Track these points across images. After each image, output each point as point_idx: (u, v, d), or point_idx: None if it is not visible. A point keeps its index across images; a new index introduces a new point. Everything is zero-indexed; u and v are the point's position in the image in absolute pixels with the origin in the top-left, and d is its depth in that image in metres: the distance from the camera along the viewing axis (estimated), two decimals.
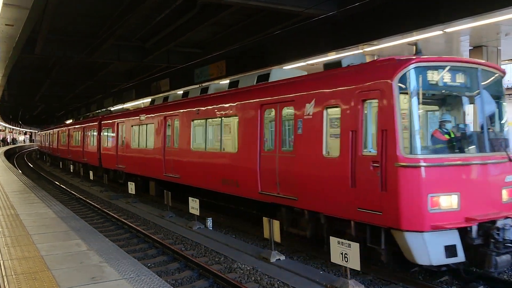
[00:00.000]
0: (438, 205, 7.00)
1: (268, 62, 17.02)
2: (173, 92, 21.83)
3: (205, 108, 13.04)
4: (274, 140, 10.19)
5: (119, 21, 16.23)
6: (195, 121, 13.70)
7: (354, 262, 7.14)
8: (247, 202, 11.25)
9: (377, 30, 12.82)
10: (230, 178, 11.52)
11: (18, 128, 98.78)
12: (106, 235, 10.69)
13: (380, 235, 7.47)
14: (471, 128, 8.58)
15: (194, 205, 12.02)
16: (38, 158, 57.44)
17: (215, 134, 13.30)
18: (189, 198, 12.24)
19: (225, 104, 12.04)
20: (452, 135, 7.93)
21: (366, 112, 7.80)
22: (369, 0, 11.15)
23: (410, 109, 7.24)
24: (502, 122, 8.29)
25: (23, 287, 5.72)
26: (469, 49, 15.48)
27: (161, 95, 20.50)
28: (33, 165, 41.16)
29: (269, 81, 11.04)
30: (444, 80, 7.57)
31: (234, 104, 11.64)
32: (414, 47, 7.96)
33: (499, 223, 7.04)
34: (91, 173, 23.95)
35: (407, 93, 7.27)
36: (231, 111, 11.83)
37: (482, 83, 7.87)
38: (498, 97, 8.21)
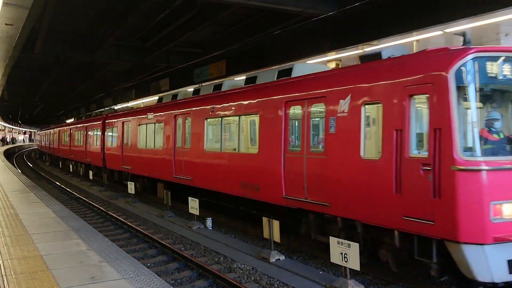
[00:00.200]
0: (501, 214, 6.22)
1: (268, 62, 17.02)
2: (182, 89, 20.42)
3: (221, 105, 12.18)
4: (301, 140, 9.35)
5: (119, 21, 16.24)
6: (209, 119, 12.89)
7: (354, 262, 7.12)
8: (269, 207, 10.35)
9: (377, 30, 12.82)
10: (250, 181, 10.68)
11: (18, 128, 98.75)
12: (106, 235, 10.69)
13: (431, 247, 6.67)
14: None
15: (193, 205, 12.00)
16: (37, 157, 57.40)
17: (231, 133, 12.76)
18: (189, 198, 12.20)
19: (244, 101, 11.27)
20: (502, 135, 7.05)
21: (413, 108, 7.01)
22: (369, 0, 11.15)
23: (469, 105, 6.47)
24: None
25: (23, 286, 5.71)
26: None
27: (169, 92, 19.78)
28: (32, 165, 41.15)
29: (293, 76, 10.22)
30: (504, 73, 6.69)
31: (254, 101, 10.85)
32: (462, 37, 7.24)
33: None
34: (90, 172, 23.93)
35: (464, 87, 6.49)
36: (250, 109, 11.06)
37: None
38: None
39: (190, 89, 17.04)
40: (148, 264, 9.23)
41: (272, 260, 9.06)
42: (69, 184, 24.92)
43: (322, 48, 14.80)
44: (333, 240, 7.47)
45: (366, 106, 7.83)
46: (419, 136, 7.09)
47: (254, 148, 11.46)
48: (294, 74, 10.29)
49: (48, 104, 51.85)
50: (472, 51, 6.57)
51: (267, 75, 11.20)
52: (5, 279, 5.97)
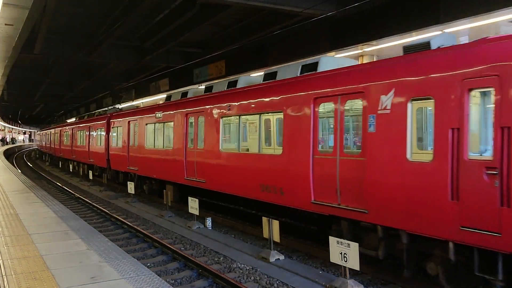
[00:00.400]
0: None
1: (268, 62, 17.03)
2: (194, 86, 19.62)
3: (239, 103, 11.34)
4: (333, 140, 8.48)
5: (118, 21, 16.24)
6: (225, 118, 12.08)
7: (354, 262, 7.12)
8: (294, 212, 9.67)
9: (376, 30, 12.83)
10: (272, 185, 9.87)
11: (18, 128, 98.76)
12: (106, 235, 10.71)
13: (497, 262, 5.91)
14: None
15: (193, 204, 12.01)
16: (37, 157, 57.43)
17: (251, 132, 12.15)
18: (189, 197, 12.20)
19: (265, 98, 10.38)
20: None
21: (474, 104, 6.28)
22: (368, 0, 11.16)
23: None
24: None
25: (23, 286, 5.71)
26: None
27: (178, 90, 19.02)
28: (32, 165, 41.15)
29: (320, 71, 9.37)
30: None
31: (277, 97, 9.95)
32: None
33: None
34: (90, 173, 23.93)
35: None
36: (273, 106, 10.18)
37: None
38: None
39: (202, 87, 16.23)
40: (148, 264, 9.25)
41: (272, 259, 9.07)
42: (69, 184, 24.93)
43: (322, 48, 14.81)
44: (332, 240, 7.47)
45: (413, 102, 7.04)
46: (481, 135, 6.35)
47: (277, 149, 10.85)
48: (321, 68, 9.47)
49: (48, 104, 51.84)
50: None
51: (289, 70, 10.41)
52: (5, 279, 5.97)
